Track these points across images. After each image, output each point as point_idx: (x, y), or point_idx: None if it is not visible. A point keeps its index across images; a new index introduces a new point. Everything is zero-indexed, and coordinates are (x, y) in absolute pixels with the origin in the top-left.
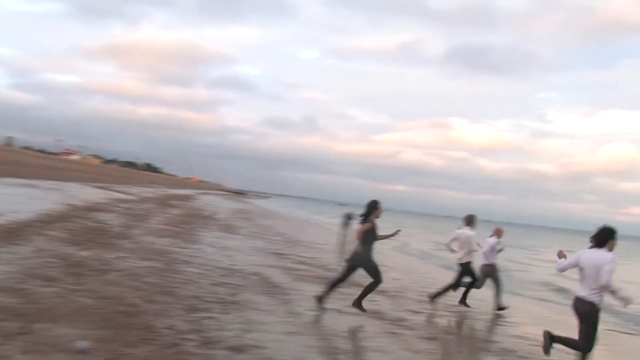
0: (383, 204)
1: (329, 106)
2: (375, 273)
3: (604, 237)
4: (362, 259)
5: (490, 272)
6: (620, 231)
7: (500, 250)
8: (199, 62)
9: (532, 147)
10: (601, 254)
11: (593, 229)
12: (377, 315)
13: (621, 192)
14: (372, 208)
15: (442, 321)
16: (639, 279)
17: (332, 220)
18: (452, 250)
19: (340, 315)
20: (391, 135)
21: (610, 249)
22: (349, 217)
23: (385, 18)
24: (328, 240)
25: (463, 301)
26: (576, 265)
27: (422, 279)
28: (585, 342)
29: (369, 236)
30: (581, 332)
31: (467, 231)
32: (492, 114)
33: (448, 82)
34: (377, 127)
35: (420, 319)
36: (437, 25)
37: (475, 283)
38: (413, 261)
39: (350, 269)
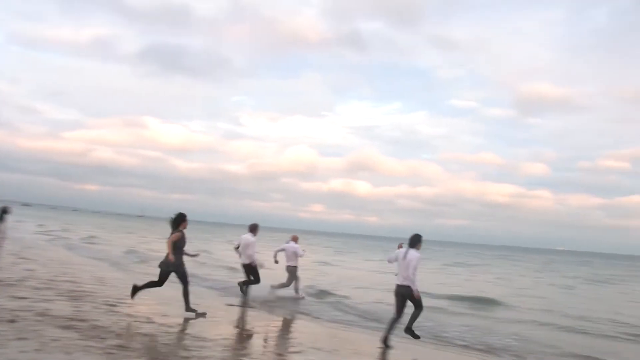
0: (187, 216)
1: (13, 98)
2: (184, 277)
3: (415, 241)
4: (174, 265)
5: (293, 271)
6: (301, 226)
7: (302, 255)
8: None
9: (225, 148)
10: (412, 252)
11: (279, 225)
12: None
13: (303, 191)
14: (180, 220)
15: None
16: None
17: None
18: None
19: None
20: (82, 133)
21: (419, 249)
22: (3, 212)
23: (79, 9)
24: None
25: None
26: (396, 259)
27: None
28: (417, 309)
29: (179, 245)
30: (400, 307)
31: (249, 237)
32: (187, 115)
33: (142, 80)
34: (68, 124)
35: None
36: (132, 23)
37: (254, 281)
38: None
39: (164, 274)
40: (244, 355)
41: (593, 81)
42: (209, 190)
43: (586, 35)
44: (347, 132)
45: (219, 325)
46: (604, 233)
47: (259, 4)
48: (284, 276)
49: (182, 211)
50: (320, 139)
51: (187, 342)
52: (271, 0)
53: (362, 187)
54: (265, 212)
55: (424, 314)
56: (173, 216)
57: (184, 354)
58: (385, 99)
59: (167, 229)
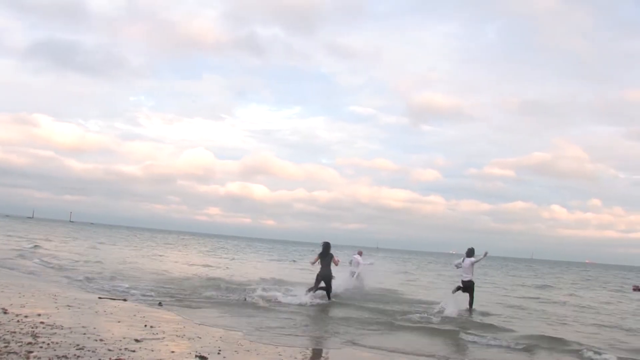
0: None
1: None
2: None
3: (471, 252)
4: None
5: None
6: (199, 229)
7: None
8: None
9: (121, 148)
10: (467, 259)
11: (176, 228)
12: None
13: (201, 194)
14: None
15: None
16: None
17: None
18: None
19: None
20: None
21: (473, 256)
22: None
23: None
24: None
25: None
26: (460, 264)
27: None
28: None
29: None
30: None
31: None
32: (83, 113)
33: (33, 76)
34: None
35: None
36: (23, 16)
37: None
38: None
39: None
40: (97, 340)
41: (482, 92)
42: (104, 192)
43: (478, 49)
44: (246, 135)
45: (81, 315)
46: (490, 237)
47: (156, 5)
48: None
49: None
50: (219, 142)
51: (38, 329)
52: (168, 2)
53: (259, 191)
54: (161, 215)
55: None
56: (327, 242)
57: (30, 340)
58: (285, 103)
59: (57, 230)
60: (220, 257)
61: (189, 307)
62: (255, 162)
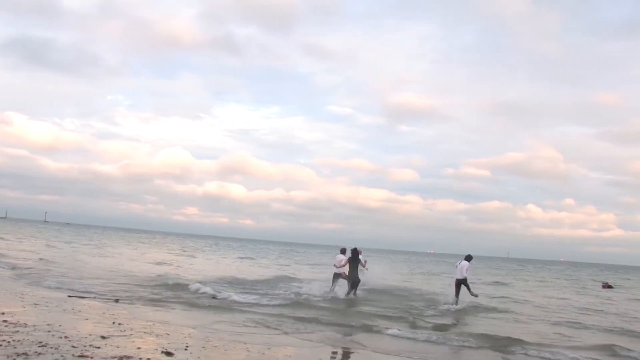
0: None
1: None
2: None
3: (469, 257)
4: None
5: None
6: (176, 230)
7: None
8: None
9: (98, 148)
10: (464, 262)
11: (153, 228)
12: None
13: (178, 193)
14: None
15: None
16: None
17: None
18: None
19: None
20: None
21: (469, 260)
22: None
23: None
24: None
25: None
26: (456, 266)
27: None
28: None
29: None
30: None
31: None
32: (58, 112)
33: (6, 73)
34: None
35: None
36: None
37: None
38: None
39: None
40: (62, 337)
41: (458, 93)
42: (80, 192)
43: (454, 51)
44: (224, 134)
45: (48, 313)
46: (467, 236)
47: (132, 3)
48: None
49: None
50: (197, 141)
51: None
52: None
53: (236, 191)
54: (139, 215)
55: None
56: (355, 248)
57: None
58: (263, 103)
59: (24, 230)
60: (182, 256)
61: (153, 305)
62: (232, 162)
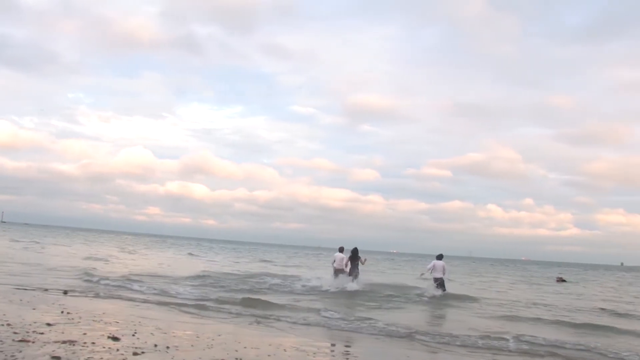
0: None
1: None
2: None
3: (440, 255)
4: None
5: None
6: (137, 230)
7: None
8: None
9: (57, 146)
10: (439, 261)
11: (115, 228)
12: None
13: (140, 193)
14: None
15: None
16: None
17: None
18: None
19: None
20: None
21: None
22: None
23: None
24: None
25: None
26: (433, 266)
27: None
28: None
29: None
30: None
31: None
32: (16, 110)
33: None
34: None
35: None
36: None
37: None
38: None
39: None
40: (4, 324)
41: (419, 94)
42: (39, 191)
43: (416, 52)
44: (187, 134)
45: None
46: (429, 236)
47: (91, 1)
48: None
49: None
50: (160, 141)
51: None
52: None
53: (199, 190)
54: (100, 215)
55: None
56: (356, 248)
57: None
58: (226, 102)
59: None
60: (123, 252)
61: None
62: (194, 162)
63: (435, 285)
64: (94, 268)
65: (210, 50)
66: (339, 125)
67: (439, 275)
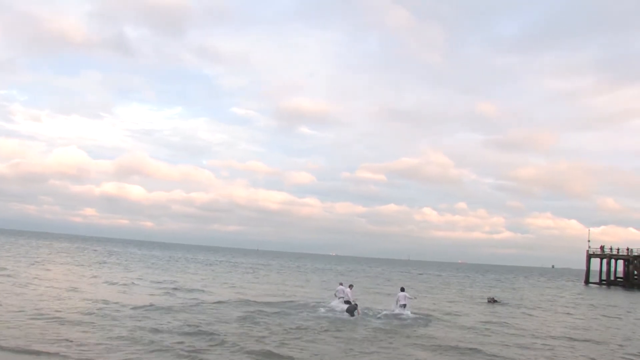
0: None
1: None
2: None
3: (404, 288)
4: None
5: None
6: (74, 232)
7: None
8: None
9: None
10: (402, 293)
11: (51, 230)
12: None
13: (75, 194)
14: None
15: None
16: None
17: None
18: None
19: None
20: None
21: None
22: None
23: None
24: None
25: None
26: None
27: None
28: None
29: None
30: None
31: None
32: None
33: None
34: None
35: None
36: None
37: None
38: None
39: None
40: None
41: (356, 99)
42: None
43: (357, 57)
44: (126, 134)
45: None
46: (368, 239)
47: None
48: None
49: None
50: (97, 141)
51: None
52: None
53: (135, 191)
54: (34, 216)
55: None
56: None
57: None
58: (167, 103)
59: None
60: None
61: None
62: (130, 162)
63: (400, 308)
64: None
65: (142, 51)
66: (277, 128)
67: (403, 302)
